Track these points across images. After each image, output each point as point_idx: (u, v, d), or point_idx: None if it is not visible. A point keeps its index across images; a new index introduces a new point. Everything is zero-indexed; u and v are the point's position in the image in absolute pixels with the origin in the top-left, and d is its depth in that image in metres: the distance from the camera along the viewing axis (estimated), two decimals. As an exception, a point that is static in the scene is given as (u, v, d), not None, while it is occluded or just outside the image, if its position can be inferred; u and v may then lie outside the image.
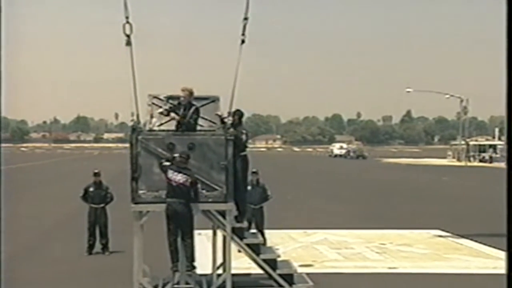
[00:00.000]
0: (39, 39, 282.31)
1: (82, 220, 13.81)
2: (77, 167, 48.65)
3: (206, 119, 9.77)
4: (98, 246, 13.32)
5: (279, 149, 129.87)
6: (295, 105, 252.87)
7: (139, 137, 9.27)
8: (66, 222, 17.93)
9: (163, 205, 9.10)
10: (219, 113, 9.77)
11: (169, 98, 9.71)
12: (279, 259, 10.06)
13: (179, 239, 9.26)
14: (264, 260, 9.68)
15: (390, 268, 12.13)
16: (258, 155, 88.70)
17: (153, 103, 9.81)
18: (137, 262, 9.30)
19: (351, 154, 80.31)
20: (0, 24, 5.01)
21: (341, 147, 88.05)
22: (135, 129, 9.33)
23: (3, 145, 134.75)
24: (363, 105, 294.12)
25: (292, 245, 14.56)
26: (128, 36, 9.41)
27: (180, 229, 9.17)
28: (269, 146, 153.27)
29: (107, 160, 66.20)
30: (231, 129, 9.58)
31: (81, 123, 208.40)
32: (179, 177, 8.97)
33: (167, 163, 8.98)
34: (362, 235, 15.93)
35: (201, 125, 9.69)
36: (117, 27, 9.41)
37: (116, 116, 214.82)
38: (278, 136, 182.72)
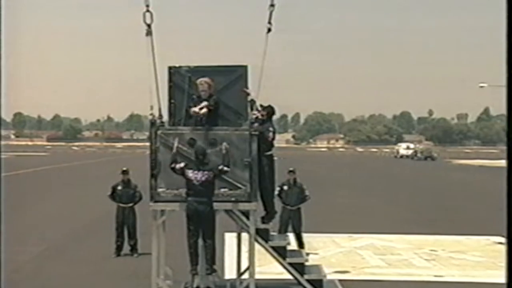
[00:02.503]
0: (92, 38, 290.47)
1: (111, 222, 14.05)
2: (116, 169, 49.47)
3: (230, 108, 9.64)
4: (126, 247, 13.53)
5: (341, 149, 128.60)
6: (360, 102, 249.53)
7: (159, 132, 9.38)
8: (94, 225, 18.27)
9: (183, 204, 9.17)
10: (248, 90, 9.54)
11: (191, 70, 9.61)
12: (308, 263, 9.97)
13: (200, 241, 9.31)
14: (291, 264, 9.62)
15: (435, 276, 11.86)
16: (317, 155, 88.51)
17: (174, 83, 9.70)
18: (156, 263, 9.40)
19: (419, 154, 78.60)
20: (0, 22, 5.19)
21: (408, 147, 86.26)
22: (154, 123, 9.43)
23: (54, 143, 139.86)
24: (435, 102, 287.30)
25: (333, 250, 14.42)
26: (148, 25, 9.47)
27: (201, 229, 9.19)
28: (331, 146, 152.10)
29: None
30: (256, 124, 9.51)
31: (135, 121, 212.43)
32: (199, 175, 9.01)
33: (181, 165, 8.99)
34: (412, 241, 15.63)
35: (226, 119, 9.61)
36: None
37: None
38: (341, 135, 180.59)
